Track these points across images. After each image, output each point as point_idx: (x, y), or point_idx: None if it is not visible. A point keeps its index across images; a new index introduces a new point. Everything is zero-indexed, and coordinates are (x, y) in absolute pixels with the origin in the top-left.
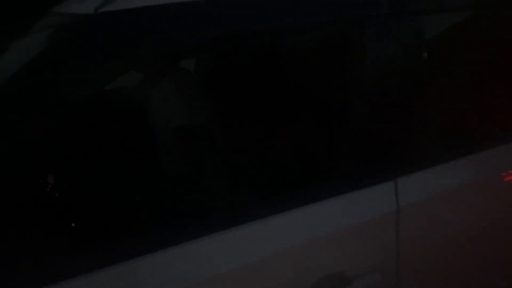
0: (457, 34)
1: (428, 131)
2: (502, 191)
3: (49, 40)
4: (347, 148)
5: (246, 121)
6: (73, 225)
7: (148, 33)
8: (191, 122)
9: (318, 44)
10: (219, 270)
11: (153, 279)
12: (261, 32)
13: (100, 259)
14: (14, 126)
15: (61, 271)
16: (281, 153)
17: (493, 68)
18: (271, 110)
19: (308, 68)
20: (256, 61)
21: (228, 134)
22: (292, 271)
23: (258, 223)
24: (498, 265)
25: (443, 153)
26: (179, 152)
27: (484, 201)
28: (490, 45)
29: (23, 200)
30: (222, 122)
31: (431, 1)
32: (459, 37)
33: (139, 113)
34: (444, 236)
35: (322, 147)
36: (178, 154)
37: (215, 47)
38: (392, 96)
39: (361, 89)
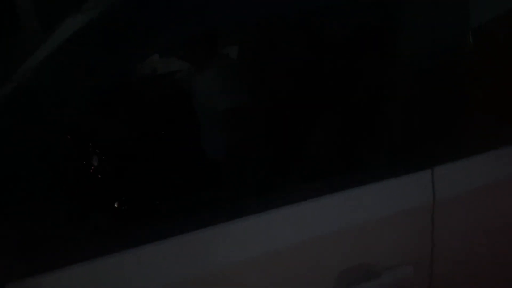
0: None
1: (471, 116)
2: None
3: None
4: (380, 132)
5: (289, 106)
6: (116, 205)
7: (181, 17)
8: (235, 105)
9: (356, 26)
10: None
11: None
12: (303, 15)
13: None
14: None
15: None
16: (316, 138)
17: None
18: (310, 95)
19: (348, 52)
20: (299, 46)
21: (273, 116)
22: (319, 260)
23: (288, 209)
24: None
25: (488, 141)
26: (226, 135)
27: None
28: None
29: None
30: (268, 105)
31: None
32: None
33: (185, 99)
34: (483, 232)
35: (354, 132)
36: (226, 137)
37: (256, 32)
38: (430, 77)
39: (397, 72)
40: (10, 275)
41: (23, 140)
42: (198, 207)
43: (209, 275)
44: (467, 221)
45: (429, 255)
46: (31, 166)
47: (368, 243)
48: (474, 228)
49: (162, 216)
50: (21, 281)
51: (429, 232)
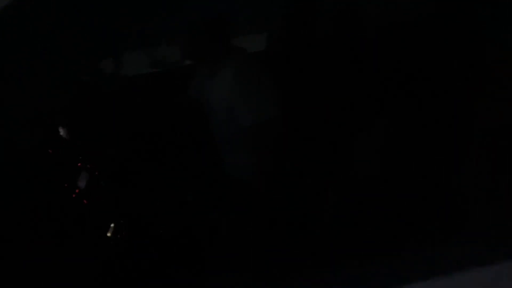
0: None
1: None
2: None
3: None
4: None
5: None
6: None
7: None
8: (268, 117)
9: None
10: None
11: None
12: None
13: None
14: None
15: None
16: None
17: None
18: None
19: (416, 43)
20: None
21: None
22: None
23: None
24: None
25: None
26: (259, 154)
27: None
28: None
29: None
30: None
31: None
32: None
33: (198, 111)
34: None
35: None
36: (258, 157)
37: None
38: None
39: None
40: None
41: None
42: None
43: None
44: None
45: None
46: None
47: None
48: None
49: None
50: None
51: None
